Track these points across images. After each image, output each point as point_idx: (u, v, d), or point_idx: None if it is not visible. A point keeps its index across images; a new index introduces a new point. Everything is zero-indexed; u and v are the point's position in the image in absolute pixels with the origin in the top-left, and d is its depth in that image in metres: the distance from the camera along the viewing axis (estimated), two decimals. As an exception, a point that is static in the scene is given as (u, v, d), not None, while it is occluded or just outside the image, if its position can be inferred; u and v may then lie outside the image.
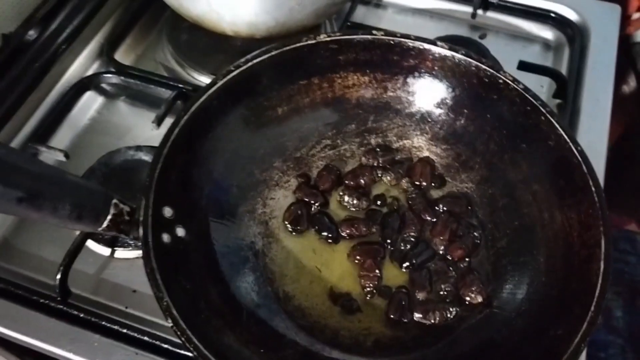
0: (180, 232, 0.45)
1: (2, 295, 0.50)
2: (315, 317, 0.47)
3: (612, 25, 0.72)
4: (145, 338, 0.48)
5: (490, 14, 0.74)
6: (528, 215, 0.50)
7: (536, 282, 0.46)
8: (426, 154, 0.55)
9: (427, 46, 0.52)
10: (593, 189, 0.45)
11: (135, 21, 0.72)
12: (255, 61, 0.50)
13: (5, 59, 0.62)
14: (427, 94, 0.54)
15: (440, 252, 0.50)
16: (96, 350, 0.47)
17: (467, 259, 0.50)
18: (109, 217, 0.41)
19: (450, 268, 0.49)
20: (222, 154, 0.50)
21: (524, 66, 0.66)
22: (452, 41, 0.53)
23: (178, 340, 0.46)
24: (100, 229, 0.41)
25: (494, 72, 0.50)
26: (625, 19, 0.77)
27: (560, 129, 0.48)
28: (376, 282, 0.48)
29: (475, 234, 0.51)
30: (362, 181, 0.54)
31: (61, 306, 0.49)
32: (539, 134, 0.49)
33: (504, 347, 0.44)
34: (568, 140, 0.47)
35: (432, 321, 0.47)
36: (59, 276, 0.49)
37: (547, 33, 0.74)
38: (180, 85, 0.63)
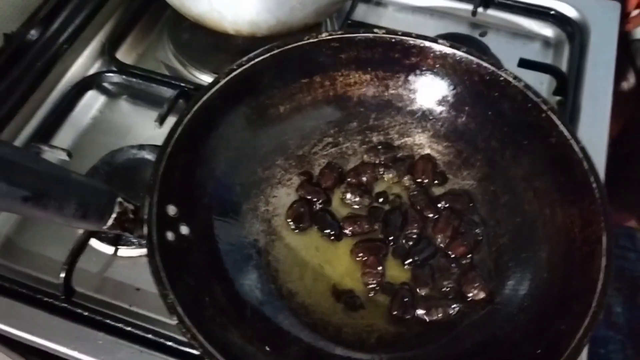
0: (184, 230, 0.45)
1: (6, 294, 0.50)
2: (318, 314, 0.47)
3: (612, 22, 0.72)
4: (150, 336, 0.48)
5: (491, 11, 0.74)
6: (529, 211, 0.50)
7: (538, 279, 0.46)
8: (428, 151, 0.55)
9: (428, 44, 0.52)
10: (594, 185, 0.45)
11: (136, 20, 0.72)
12: (257, 60, 0.50)
13: (7, 58, 0.62)
14: (429, 91, 0.54)
15: (442, 248, 0.51)
16: (101, 348, 0.48)
17: (469, 256, 0.50)
18: (114, 215, 0.41)
19: (453, 265, 0.50)
20: (224, 152, 0.50)
21: (524, 64, 0.66)
22: (452, 39, 0.53)
23: (182, 338, 0.47)
24: (105, 227, 0.41)
25: (495, 70, 0.51)
26: (624, 16, 0.78)
27: (561, 126, 0.48)
28: (379, 279, 0.49)
29: (477, 230, 0.51)
30: (364, 179, 0.54)
31: (65, 305, 0.50)
32: (540, 131, 0.49)
33: (507, 343, 0.45)
34: (569, 136, 0.47)
35: (435, 317, 0.47)
36: (63, 275, 0.49)
37: (547, 30, 0.74)
38: (182, 84, 0.63)
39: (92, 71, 0.67)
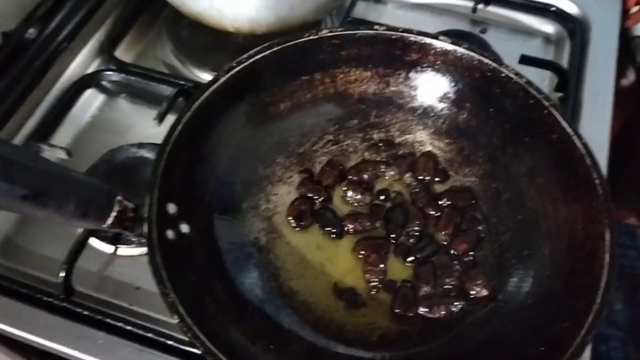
0: (184, 228, 0.45)
1: (6, 294, 0.50)
2: (320, 312, 0.47)
3: (613, 18, 0.72)
4: (150, 335, 0.48)
5: (491, 8, 0.74)
6: (532, 208, 0.50)
7: (541, 276, 0.46)
8: (429, 148, 0.55)
9: (429, 41, 0.52)
10: (597, 181, 0.45)
11: (135, 18, 0.71)
12: (257, 57, 0.50)
13: (6, 57, 0.62)
14: (430, 88, 0.54)
15: (444, 246, 0.50)
16: (101, 348, 0.47)
17: (471, 253, 0.50)
18: (114, 214, 0.41)
19: (455, 262, 0.49)
20: (225, 150, 0.50)
21: (525, 60, 0.66)
22: (453, 36, 0.53)
23: (183, 337, 0.47)
24: (105, 225, 0.41)
25: (497, 66, 0.51)
26: (624, 13, 0.77)
27: (563, 122, 0.48)
28: (381, 277, 0.49)
29: (479, 227, 0.51)
30: (365, 176, 0.54)
31: (65, 304, 0.49)
32: (542, 127, 0.49)
33: (509, 341, 0.44)
34: (571, 133, 0.47)
35: (437, 315, 0.47)
36: (62, 274, 0.49)
37: (548, 27, 0.74)
38: (182, 82, 0.62)
39: (91, 69, 0.67)
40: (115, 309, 0.50)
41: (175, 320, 0.38)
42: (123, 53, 0.68)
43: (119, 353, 0.47)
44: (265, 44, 0.50)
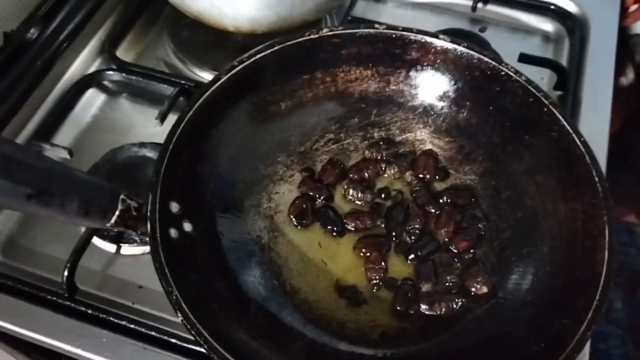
0: (187, 227, 0.45)
1: (9, 293, 0.50)
2: (322, 310, 0.47)
3: (612, 16, 0.72)
4: (153, 333, 0.48)
5: (490, 7, 0.74)
6: (531, 206, 0.50)
7: (541, 273, 0.47)
8: (429, 146, 0.55)
9: (429, 39, 0.52)
10: (596, 179, 0.46)
11: (135, 18, 0.72)
12: (258, 56, 0.50)
13: (7, 57, 0.62)
14: (430, 87, 0.54)
15: (445, 244, 0.51)
16: (104, 346, 0.48)
17: (471, 251, 0.50)
18: (117, 212, 0.42)
19: (455, 259, 0.50)
20: (226, 149, 0.50)
21: (524, 58, 0.66)
22: (453, 34, 0.53)
23: (185, 335, 0.47)
24: (108, 224, 0.42)
25: (496, 65, 0.51)
26: (623, 11, 0.78)
27: (563, 120, 0.48)
28: (382, 275, 0.49)
29: (479, 225, 0.51)
30: (366, 175, 0.54)
31: (69, 302, 0.50)
32: (541, 125, 0.49)
33: (510, 337, 0.45)
34: (571, 131, 0.48)
35: (438, 312, 0.47)
36: (66, 273, 0.49)
37: (547, 25, 0.74)
38: (182, 82, 0.63)
39: (92, 69, 0.67)
40: (118, 307, 0.51)
41: (179, 318, 0.39)
42: (124, 53, 0.69)
43: (122, 351, 0.48)
44: (266, 43, 0.50)
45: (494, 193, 0.52)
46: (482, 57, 0.51)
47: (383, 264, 0.49)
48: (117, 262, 0.54)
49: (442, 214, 0.52)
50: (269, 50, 0.50)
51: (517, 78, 0.50)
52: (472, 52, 0.51)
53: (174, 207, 0.44)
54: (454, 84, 0.54)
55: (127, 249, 0.54)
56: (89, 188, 0.41)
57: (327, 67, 0.54)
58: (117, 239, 0.53)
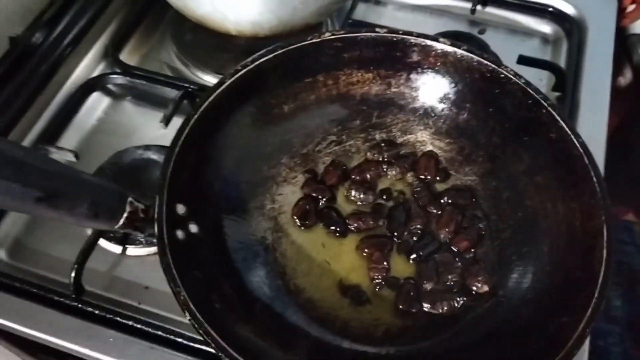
0: (193, 228, 0.46)
1: (18, 294, 0.51)
2: (326, 309, 0.48)
3: (609, 18, 0.73)
4: (159, 332, 0.49)
5: (489, 9, 0.75)
6: (531, 206, 0.51)
7: (540, 271, 0.47)
8: (430, 148, 0.56)
9: (429, 42, 0.53)
10: (594, 179, 0.46)
11: (139, 22, 0.72)
12: (261, 60, 0.51)
13: (13, 62, 0.62)
14: (430, 89, 0.55)
15: (446, 243, 0.51)
16: (112, 346, 0.48)
17: (472, 250, 0.51)
18: (125, 215, 0.42)
19: (456, 259, 0.51)
20: (231, 151, 0.51)
21: (523, 60, 0.67)
22: (453, 37, 0.54)
23: (192, 334, 0.48)
24: (116, 226, 0.42)
25: (496, 67, 0.51)
26: (620, 12, 0.78)
27: (561, 122, 0.49)
28: (384, 274, 0.50)
29: (480, 225, 0.52)
30: (368, 176, 0.54)
31: (76, 303, 0.50)
32: (540, 126, 0.50)
33: (510, 335, 0.45)
34: (569, 132, 0.48)
35: (440, 311, 0.48)
36: (73, 274, 0.50)
37: (545, 27, 0.75)
38: (186, 85, 0.63)
39: (96, 73, 0.68)
40: (125, 307, 0.51)
41: (187, 318, 0.39)
42: (128, 56, 0.69)
43: (129, 351, 0.48)
44: (270, 47, 0.51)
45: (494, 193, 0.53)
46: (481, 59, 0.52)
47: (385, 263, 0.50)
48: (122, 263, 0.54)
49: (443, 214, 0.52)
50: (272, 54, 0.51)
51: (517, 80, 0.51)
52: (471, 55, 0.52)
53: (180, 209, 0.45)
54: (454, 86, 0.54)
55: (132, 250, 0.54)
56: (98, 190, 0.41)
57: (329, 70, 0.54)
58: (123, 241, 0.54)
